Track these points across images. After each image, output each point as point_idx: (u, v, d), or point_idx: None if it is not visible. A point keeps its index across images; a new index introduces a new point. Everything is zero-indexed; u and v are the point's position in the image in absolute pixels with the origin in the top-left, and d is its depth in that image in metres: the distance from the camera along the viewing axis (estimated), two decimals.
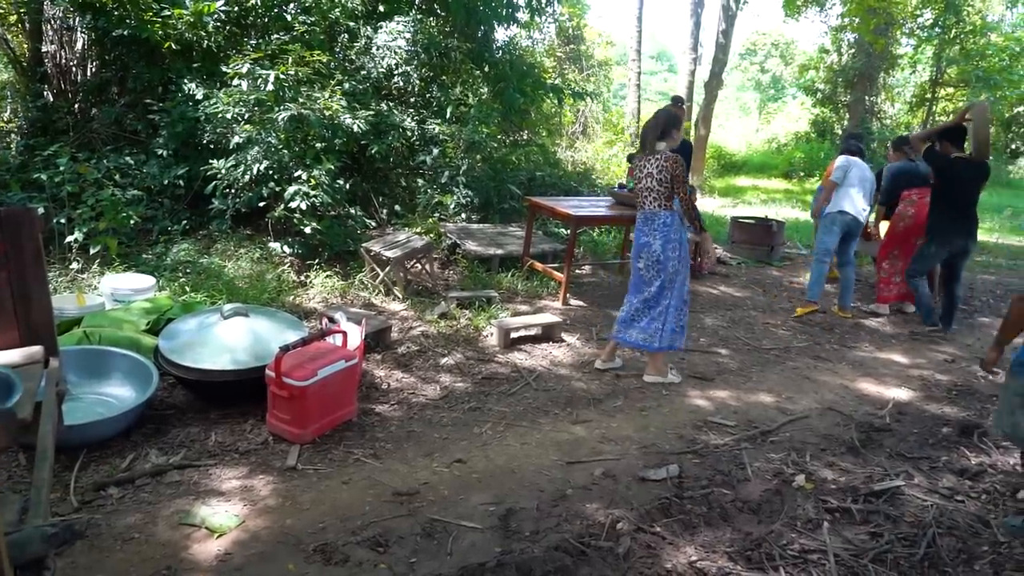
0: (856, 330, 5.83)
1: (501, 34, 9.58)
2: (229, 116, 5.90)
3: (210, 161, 5.95)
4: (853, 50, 19.13)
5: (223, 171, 5.87)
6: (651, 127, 4.19)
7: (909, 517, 2.97)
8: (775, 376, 4.69)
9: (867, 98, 19.34)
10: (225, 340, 3.61)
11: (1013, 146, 21.40)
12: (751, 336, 5.49)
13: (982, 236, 10.76)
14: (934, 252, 5.70)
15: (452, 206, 7.30)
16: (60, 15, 6.81)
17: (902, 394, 4.47)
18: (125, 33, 6.25)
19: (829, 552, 2.69)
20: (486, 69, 8.73)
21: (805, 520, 2.93)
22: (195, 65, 6.60)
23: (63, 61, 6.97)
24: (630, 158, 6.73)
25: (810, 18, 19.30)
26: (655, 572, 2.55)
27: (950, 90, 19.29)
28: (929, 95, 18.88)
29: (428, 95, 8.07)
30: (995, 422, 3.08)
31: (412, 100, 7.96)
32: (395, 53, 7.30)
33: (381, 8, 8.04)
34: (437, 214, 7.29)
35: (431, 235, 6.74)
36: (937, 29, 17.77)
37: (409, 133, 7.32)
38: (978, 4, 17.63)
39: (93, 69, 7.19)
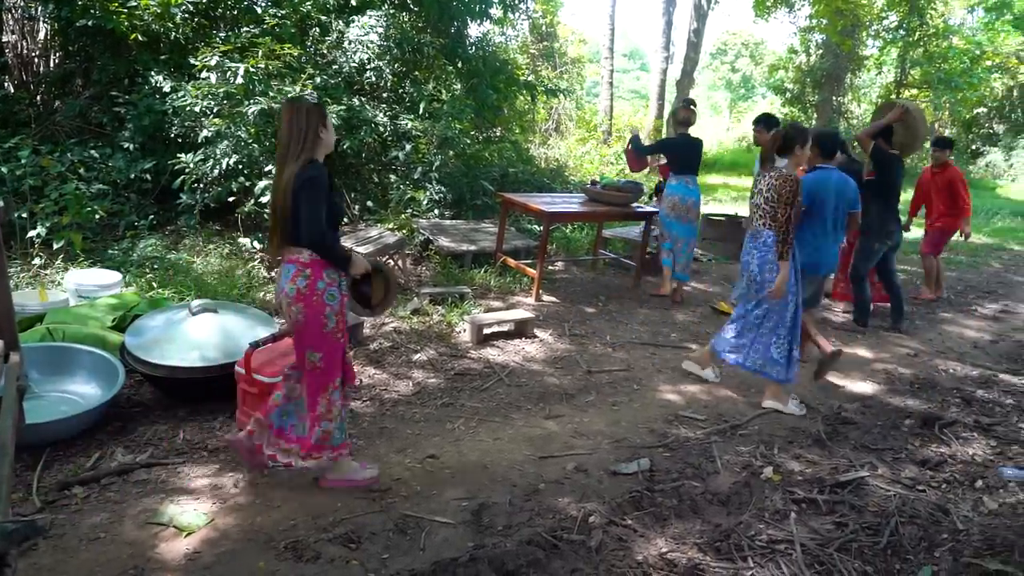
0: (822, 326, 5.94)
1: (474, 30, 9.57)
2: (197, 109, 5.82)
3: (178, 155, 5.86)
4: (821, 51, 19.46)
5: (191, 165, 5.78)
6: (771, 141, 3.96)
7: (873, 507, 3.04)
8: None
9: (834, 98, 19.69)
10: (194, 336, 3.56)
11: (974, 147, 21.94)
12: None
13: None
14: (878, 248, 5.67)
15: (425, 202, 7.27)
16: (22, 4, 6.66)
17: (867, 387, 4.57)
18: (89, 24, 6.12)
19: (796, 542, 2.74)
20: (459, 65, 8.71)
21: (773, 511, 2.98)
22: (162, 57, 6.48)
23: (25, 52, 6.81)
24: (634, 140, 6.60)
25: (779, 19, 19.62)
26: (627, 564, 2.57)
27: (914, 91, 19.69)
28: (894, 96, 19.24)
29: (401, 90, 8.02)
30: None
31: (384, 95, 7.91)
32: (367, 48, 7.24)
33: (353, 2, 7.98)
34: (410, 210, 7.26)
35: (404, 231, 6.71)
36: (901, 31, 18.14)
37: (382, 128, 7.27)
38: (941, 8, 18.02)
39: (56, 60, 7.03)
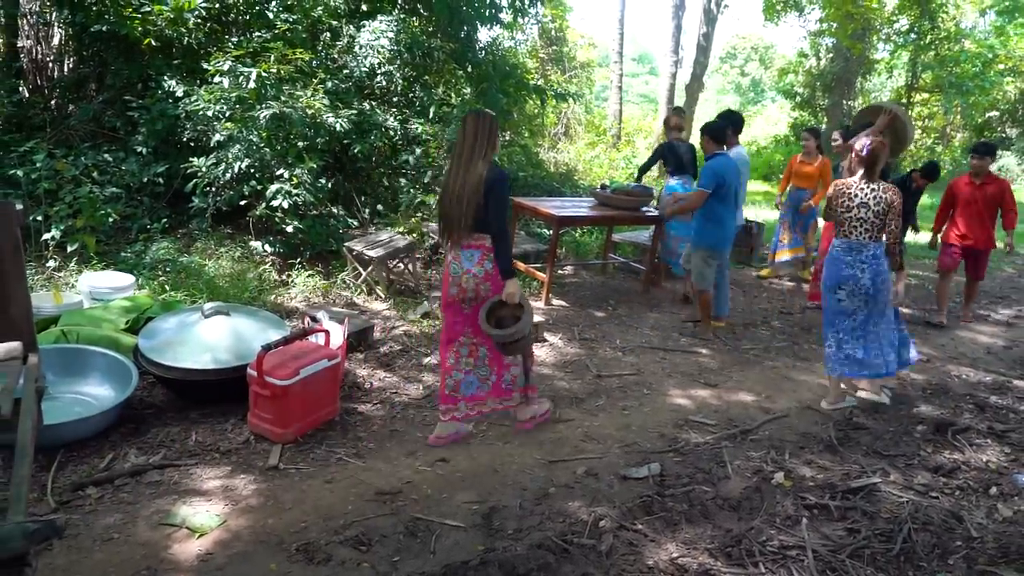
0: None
1: (484, 35, 9.59)
2: (210, 114, 5.85)
3: (190, 159, 5.90)
4: (831, 55, 19.40)
5: (203, 169, 5.81)
6: (860, 159, 4.05)
7: (885, 513, 3.02)
8: (755, 376, 4.74)
9: (845, 102, 19.59)
10: (206, 339, 3.58)
11: None
12: (731, 336, 5.54)
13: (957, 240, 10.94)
14: None
15: (435, 206, 7.29)
16: (36, 10, 6.72)
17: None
18: (103, 29, 6.17)
19: (807, 548, 2.73)
20: (469, 69, 8.73)
21: (784, 517, 2.97)
22: (175, 62, 6.53)
23: (39, 57, 6.87)
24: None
25: (789, 23, 19.61)
26: (637, 569, 2.57)
27: (925, 95, 19.60)
28: (905, 100, 19.15)
29: (411, 95, 8.05)
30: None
31: (395, 100, 7.93)
32: (378, 52, 7.27)
33: (364, 7, 8.02)
34: (420, 214, 7.28)
35: (414, 235, 6.73)
36: (913, 35, 18.05)
37: (392, 133, 7.29)
38: (952, 11, 17.93)
39: (70, 65, 7.10)
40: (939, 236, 6.46)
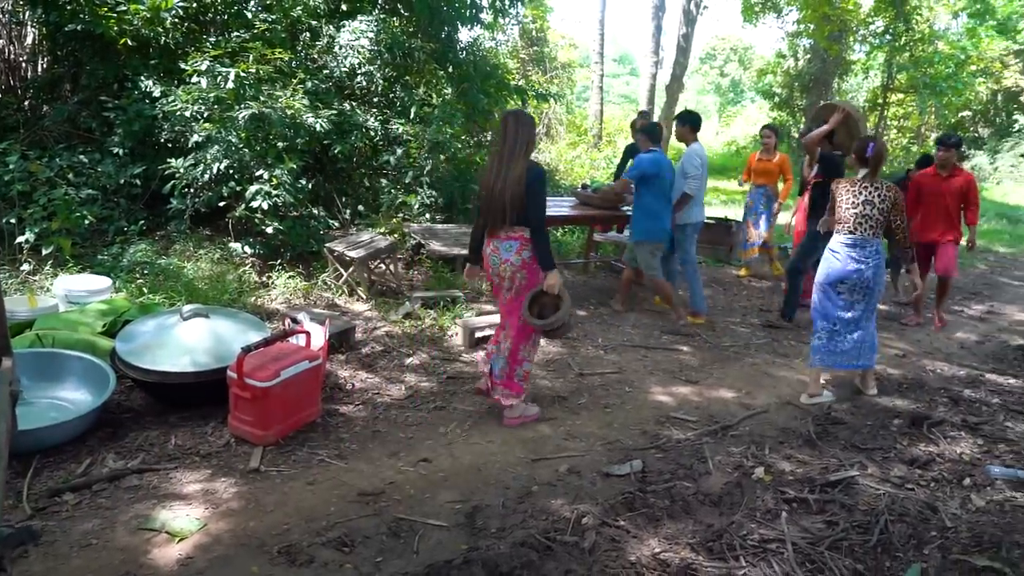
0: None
1: (465, 35, 9.59)
2: (188, 114, 5.80)
3: (168, 160, 5.84)
4: (809, 56, 19.63)
5: (182, 170, 5.76)
6: (855, 156, 4.29)
7: (863, 505, 3.07)
8: (735, 372, 4.78)
9: (822, 102, 19.80)
10: (185, 341, 3.55)
11: (960, 150, 22.15)
12: (712, 333, 5.59)
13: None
14: (821, 247, 5.40)
15: (416, 206, 7.28)
16: (9, 9, 6.62)
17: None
18: (78, 28, 6.09)
19: (787, 541, 2.76)
20: (450, 70, 8.73)
21: (764, 511, 3.00)
22: (152, 62, 6.46)
23: (12, 56, 6.77)
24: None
25: (767, 24, 19.81)
26: (620, 565, 2.58)
27: (900, 95, 19.87)
28: (881, 100, 19.42)
29: (392, 95, 8.03)
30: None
31: (375, 100, 7.91)
32: (358, 52, 7.25)
33: (344, 7, 7.99)
34: (401, 214, 7.26)
35: (395, 235, 6.71)
36: (888, 36, 18.30)
37: (372, 133, 7.27)
38: (926, 13, 18.21)
39: (44, 65, 7.00)
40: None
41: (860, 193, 4.17)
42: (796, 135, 19.93)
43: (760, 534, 2.82)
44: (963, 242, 6.38)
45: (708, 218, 9.24)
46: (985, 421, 4.11)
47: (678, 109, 16.26)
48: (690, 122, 5.92)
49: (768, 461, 3.47)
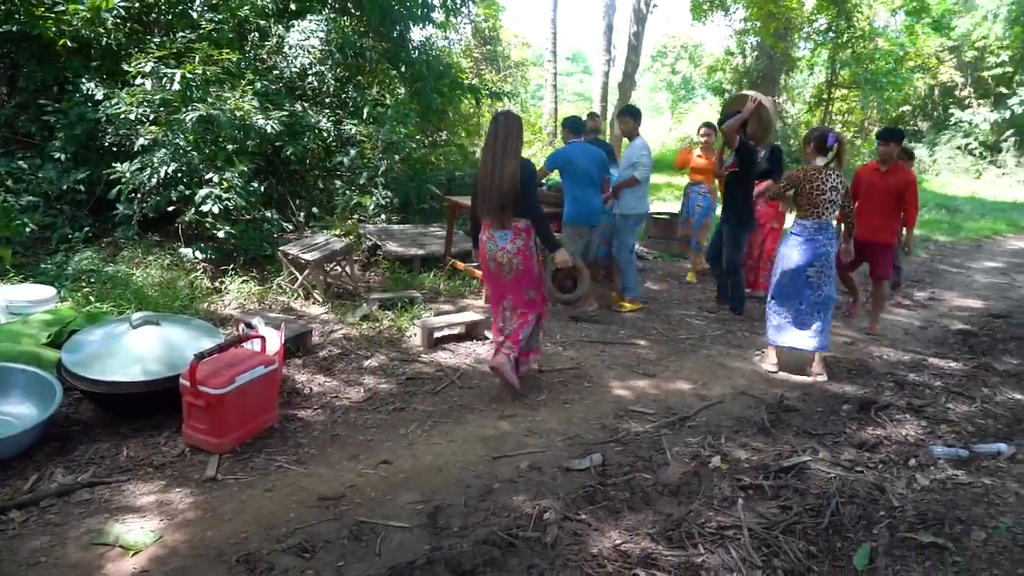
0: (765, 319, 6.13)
1: (417, 34, 9.56)
2: (132, 117, 5.66)
3: (113, 164, 5.68)
4: (756, 52, 20.08)
5: (128, 175, 5.61)
6: (813, 145, 4.57)
7: (815, 489, 3.16)
8: (691, 364, 4.88)
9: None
10: (135, 350, 3.47)
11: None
12: (668, 327, 5.69)
13: None
14: (746, 237, 5.83)
15: (371, 207, 7.23)
16: None
17: (807, 376, 4.73)
18: (13, 29, 5.88)
19: (743, 527, 2.83)
20: (403, 69, 8.68)
21: (721, 498, 3.07)
22: (93, 64, 6.27)
23: None
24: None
25: (716, 22, 20.14)
26: (582, 558, 2.61)
27: (844, 91, 20.48)
28: (826, 96, 19.99)
29: (344, 95, 7.95)
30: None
31: (327, 100, 7.83)
32: (308, 52, 7.16)
33: (293, 6, 7.87)
34: (356, 216, 7.20)
35: (351, 237, 6.65)
36: (831, 34, 18.84)
37: (325, 134, 7.19)
38: (866, 11, 18.80)
39: None
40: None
41: (827, 180, 4.45)
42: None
43: (717, 521, 2.88)
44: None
45: (661, 213, 9.42)
46: (928, 403, 4.27)
47: None
48: (632, 114, 6.05)
49: (724, 450, 3.55)
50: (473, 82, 10.71)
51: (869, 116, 22.60)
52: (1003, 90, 20.78)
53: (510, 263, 3.96)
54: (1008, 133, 20.67)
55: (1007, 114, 20.25)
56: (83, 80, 6.00)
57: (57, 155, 5.89)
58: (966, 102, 21.48)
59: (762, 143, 5.82)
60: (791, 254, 4.58)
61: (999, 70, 20.72)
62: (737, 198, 5.69)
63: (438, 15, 9.30)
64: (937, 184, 19.06)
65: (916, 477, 3.33)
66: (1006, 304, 7.14)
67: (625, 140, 6.16)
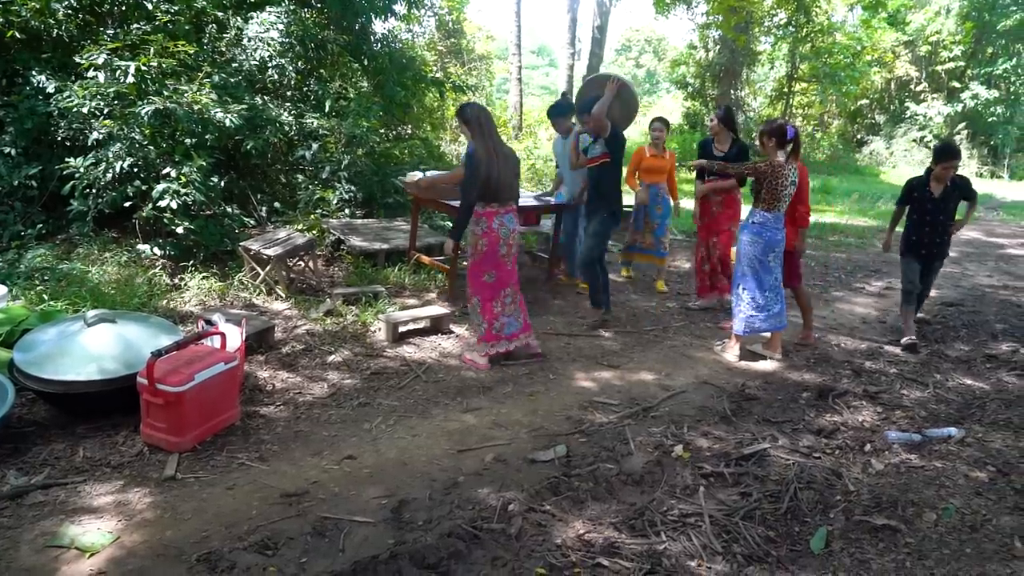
0: (727, 308, 6.22)
1: (379, 27, 9.45)
2: (86, 110, 5.50)
3: (66, 159, 5.53)
4: (718, 46, 20.32)
5: (82, 170, 5.47)
6: (775, 139, 4.63)
7: (774, 476, 3.23)
8: (655, 355, 4.94)
9: (732, 92, 20.59)
10: (90, 349, 3.39)
11: (859, 136, 23.44)
12: (632, 318, 5.74)
13: (834, 219, 11.75)
14: (612, 228, 5.46)
15: (335, 202, 7.15)
16: None
17: (768, 365, 4.83)
18: None
19: (705, 514, 2.89)
20: (365, 62, 8.59)
21: (683, 487, 3.13)
22: (44, 56, 6.09)
23: None
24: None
25: (679, 16, 20.33)
26: (546, 548, 2.64)
27: (804, 84, 20.85)
28: (786, 89, 20.33)
29: (305, 88, 7.85)
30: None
31: (288, 94, 7.72)
32: (268, 45, 7.04)
33: None
34: (319, 210, 7.12)
35: (314, 232, 6.58)
36: (791, 28, 19.16)
37: (287, 128, 7.09)
38: (825, 5, 19.16)
39: None
40: None
41: (788, 175, 4.59)
42: (709, 124, 20.64)
43: (679, 509, 2.93)
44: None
45: (627, 206, 9.48)
46: (884, 390, 4.39)
47: None
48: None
49: (687, 439, 3.61)
50: (437, 75, 10.66)
51: (828, 110, 23.04)
52: (955, 84, 21.36)
53: (516, 243, 4.43)
54: (960, 126, 21.25)
55: (960, 107, 20.82)
56: (33, 73, 5.82)
57: (7, 150, 5.71)
58: (921, 96, 22.02)
59: (625, 128, 5.55)
60: (755, 243, 4.69)
61: (952, 64, 21.29)
62: (606, 190, 5.32)
63: (400, 7, 9.23)
64: (895, 176, 19.53)
65: (871, 462, 3.42)
66: (958, 293, 7.36)
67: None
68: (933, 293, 7.18)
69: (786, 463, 3.36)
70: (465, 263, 6.92)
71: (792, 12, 18.48)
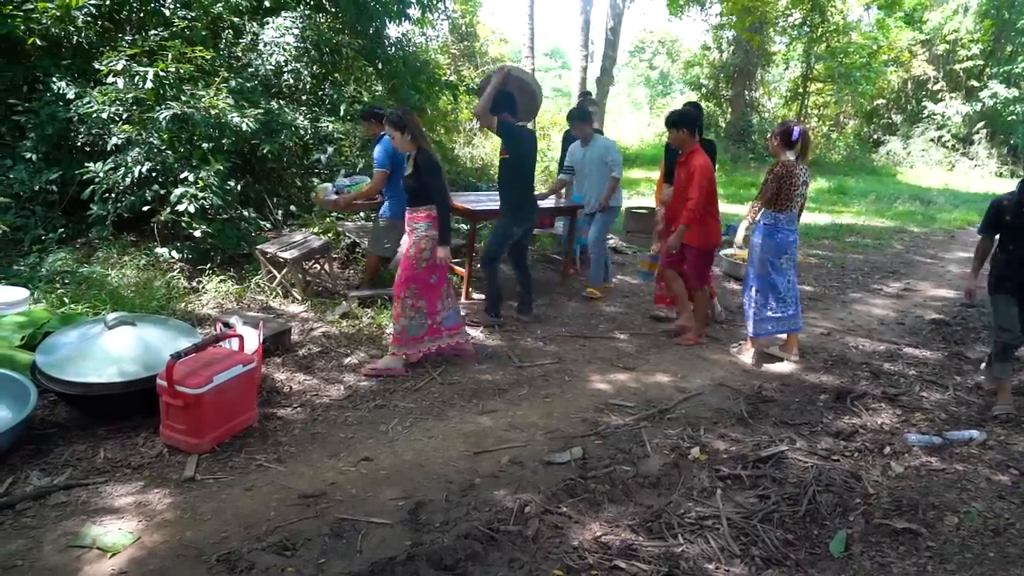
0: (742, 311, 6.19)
1: (393, 31, 9.49)
2: (105, 116, 5.57)
3: (86, 164, 5.59)
4: (732, 47, 20.21)
5: (101, 174, 5.53)
6: (779, 139, 4.57)
7: (792, 478, 3.21)
8: (671, 357, 4.91)
9: (747, 93, 20.49)
10: (111, 351, 3.43)
11: (875, 136, 23.22)
12: (646, 321, 5.72)
13: (851, 220, 11.65)
14: (515, 231, 5.21)
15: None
16: None
17: (785, 367, 4.79)
18: None
19: (722, 516, 2.87)
20: (379, 66, 8.62)
21: (700, 489, 3.11)
22: (64, 62, 6.16)
23: None
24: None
25: (692, 17, 20.23)
26: (563, 550, 2.64)
27: (819, 85, 20.69)
28: (801, 90, 20.18)
29: (320, 92, 7.89)
30: None
31: (304, 98, 7.76)
32: (284, 49, 7.08)
33: (267, 3, 7.79)
34: (335, 213, 7.15)
35: (329, 235, 6.61)
36: (805, 28, 19.03)
37: (302, 132, 7.13)
38: (840, 5, 19.00)
39: None
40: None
41: (800, 175, 4.54)
42: (723, 125, 20.53)
43: (697, 512, 2.92)
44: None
45: (640, 207, 9.47)
46: (903, 392, 4.35)
47: (609, 101, 16.59)
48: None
49: (703, 441, 3.59)
50: (451, 79, 10.68)
51: (844, 110, 22.85)
52: (974, 83, 21.10)
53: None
54: (979, 125, 20.99)
55: (978, 106, 20.56)
56: (54, 79, 5.90)
57: (28, 155, 5.78)
58: (939, 95, 21.78)
59: (533, 117, 5.39)
60: (765, 247, 4.65)
61: (970, 63, 21.03)
62: (503, 188, 5.14)
63: (414, 11, 9.24)
64: (912, 176, 19.33)
65: (891, 465, 3.39)
66: (978, 293, 7.27)
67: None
68: (952, 294, 7.11)
69: (804, 465, 3.34)
70: (479, 264, 6.94)
71: (807, 12, 18.34)
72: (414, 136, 4.19)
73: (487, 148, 12.64)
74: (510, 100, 5.11)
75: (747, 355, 4.89)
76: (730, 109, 20.61)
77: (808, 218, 8.62)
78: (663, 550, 2.65)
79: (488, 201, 6.30)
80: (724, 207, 12.33)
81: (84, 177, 5.59)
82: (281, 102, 7.18)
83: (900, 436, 3.71)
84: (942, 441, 3.65)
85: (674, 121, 4.91)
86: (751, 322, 4.81)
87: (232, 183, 6.02)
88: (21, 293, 4.39)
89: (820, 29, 18.59)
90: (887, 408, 4.11)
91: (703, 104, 21.61)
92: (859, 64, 18.41)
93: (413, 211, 4.28)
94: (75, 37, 6.18)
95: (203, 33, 6.69)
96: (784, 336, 4.92)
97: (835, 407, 4.11)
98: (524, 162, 5.17)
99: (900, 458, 3.47)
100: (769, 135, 4.76)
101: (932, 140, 21.61)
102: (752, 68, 20.19)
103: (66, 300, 4.77)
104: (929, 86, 22.17)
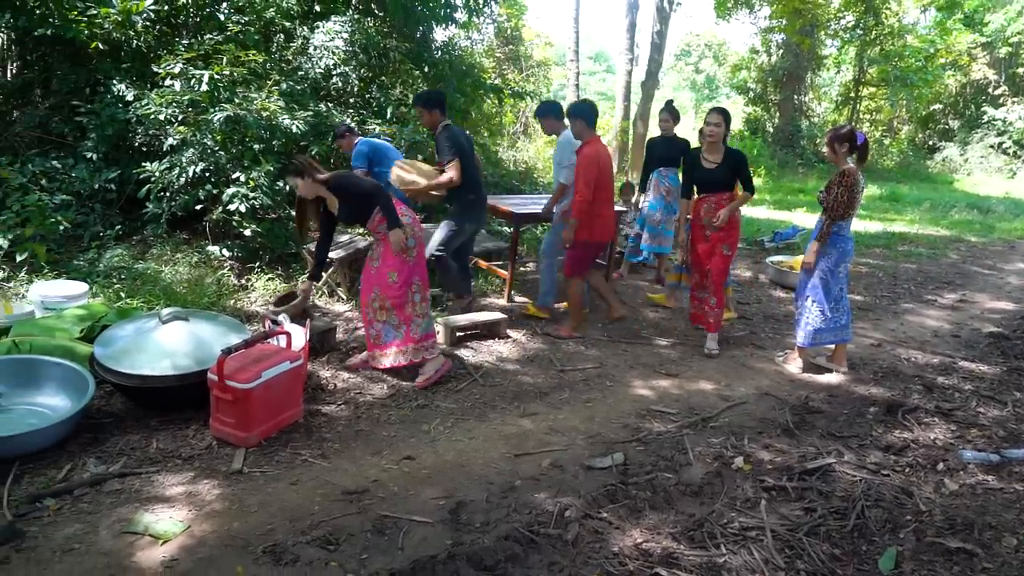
0: (790, 319, 6.07)
1: (440, 34, 9.60)
2: (162, 117, 5.75)
3: (143, 164, 5.79)
4: (782, 51, 19.87)
5: (157, 174, 5.71)
6: (847, 145, 4.42)
7: (840, 492, 3.13)
8: (714, 365, 4.85)
9: (796, 97, 20.11)
10: (164, 345, 3.53)
11: (931, 142, 22.53)
12: (690, 327, 5.64)
13: (904, 228, 11.33)
14: (468, 229, 5.24)
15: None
16: None
17: (833, 377, 4.68)
18: (48, 32, 6.02)
19: (766, 528, 2.82)
20: (426, 69, 8.73)
21: (744, 499, 3.06)
22: (124, 66, 6.40)
23: None
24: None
25: (740, 19, 19.99)
26: (603, 556, 2.62)
27: (872, 89, 20.18)
28: (853, 94, 19.72)
29: (368, 95, 8.01)
30: None
31: (352, 101, 7.89)
32: (333, 53, 7.22)
33: (317, 8, 7.95)
34: None
35: None
36: (858, 31, 18.59)
37: None
38: (895, 7, 18.52)
39: (14, 70, 6.90)
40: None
41: (860, 181, 4.46)
42: (771, 130, 20.16)
43: (740, 522, 2.87)
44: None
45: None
46: (958, 407, 4.20)
47: (654, 106, 16.43)
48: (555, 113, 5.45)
49: (747, 451, 3.53)
50: (495, 82, 10.73)
51: (898, 115, 22.24)
52: None
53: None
54: None
55: None
56: (114, 82, 6.12)
57: (89, 155, 6.01)
58: (1000, 100, 21.03)
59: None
60: (829, 253, 4.53)
61: None
62: (459, 189, 5.01)
63: (461, 15, 9.33)
64: (969, 184, 18.70)
65: (944, 481, 3.28)
66: None
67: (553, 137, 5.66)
68: (1011, 306, 6.86)
69: (852, 479, 3.25)
70: (522, 267, 6.94)
71: (860, 14, 17.93)
72: (311, 176, 4.09)
73: (531, 152, 12.66)
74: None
75: (793, 364, 4.79)
76: (778, 114, 20.25)
77: (858, 225, 8.41)
78: (705, 560, 2.61)
79: (531, 204, 6.31)
80: (769, 213, 12.17)
81: (141, 176, 5.78)
82: (329, 104, 7.31)
83: (954, 453, 3.59)
84: (1000, 459, 3.51)
85: (570, 112, 4.96)
86: (802, 332, 4.69)
87: (281, 184, 6.16)
88: (81, 287, 4.57)
89: (874, 32, 18.13)
90: (940, 423, 3.98)
91: (750, 108, 21.38)
92: (915, 68, 17.90)
93: (371, 223, 4.10)
94: (134, 41, 6.41)
95: (256, 37, 6.87)
96: (832, 346, 4.80)
97: (885, 420, 4.00)
98: (470, 161, 5.07)
99: (954, 475, 3.36)
100: (825, 141, 4.63)
101: (992, 146, 20.88)
102: (802, 72, 19.81)
103: (122, 295, 4.94)
104: (990, 90, 21.43)
